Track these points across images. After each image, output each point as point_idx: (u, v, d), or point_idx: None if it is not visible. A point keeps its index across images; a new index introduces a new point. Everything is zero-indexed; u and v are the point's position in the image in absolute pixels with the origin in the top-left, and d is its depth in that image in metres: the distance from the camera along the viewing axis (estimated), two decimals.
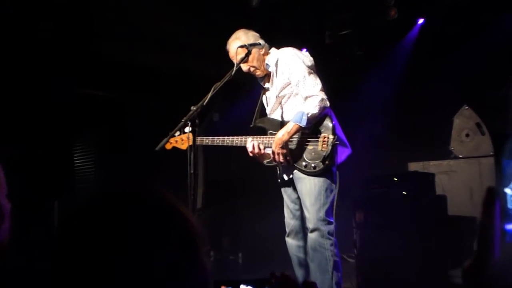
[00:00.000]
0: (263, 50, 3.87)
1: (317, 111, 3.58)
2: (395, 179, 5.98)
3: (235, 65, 3.55)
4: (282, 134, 3.64)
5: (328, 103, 3.64)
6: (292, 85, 3.72)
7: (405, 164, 6.42)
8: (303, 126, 3.60)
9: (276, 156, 3.69)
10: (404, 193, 5.80)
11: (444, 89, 6.48)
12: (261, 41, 3.82)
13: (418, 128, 6.67)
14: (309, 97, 3.61)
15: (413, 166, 6.26)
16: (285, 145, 3.67)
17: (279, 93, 3.79)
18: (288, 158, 3.70)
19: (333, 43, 7.13)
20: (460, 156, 5.97)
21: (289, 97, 3.78)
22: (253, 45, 3.78)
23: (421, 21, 6.97)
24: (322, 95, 3.62)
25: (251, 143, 3.77)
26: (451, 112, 6.17)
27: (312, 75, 3.71)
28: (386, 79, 7.22)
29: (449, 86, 6.35)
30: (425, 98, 6.71)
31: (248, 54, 3.73)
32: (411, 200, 5.43)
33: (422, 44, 6.94)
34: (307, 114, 3.56)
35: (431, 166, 6.10)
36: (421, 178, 5.73)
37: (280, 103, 3.83)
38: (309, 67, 3.75)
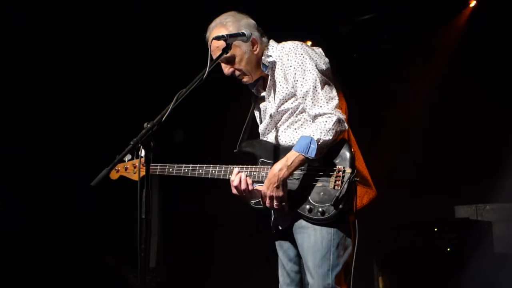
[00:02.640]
0: (256, 46, 3.84)
1: (330, 138, 3.55)
2: (435, 229, 5.99)
3: (208, 65, 3.51)
4: (278, 169, 3.62)
5: (346, 126, 3.63)
6: (298, 95, 3.71)
7: (449, 208, 6.44)
8: (310, 157, 3.59)
9: (268, 201, 3.67)
10: (449, 249, 5.82)
11: (507, 98, 6.51)
12: (248, 31, 3.75)
13: (468, 156, 6.70)
14: (320, 116, 3.60)
15: (462, 211, 6.30)
16: (282, 184, 3.69)
17: (279, 107, 3.76)
18: (284, 204, 3.68)
19: (349, 32, 7.17)
20: None
21: (292, 113, 3.75)
22: (234, 36, 3.75)
23: (473, 3, 7.05)
24: (339, 114, 3.59)
25: (238, 176, 3.76)
26: None
27: (327, 86, 3.70)
28: (423, 83, 7.29)
29: None
30: (479, 112, 6.75)
31: (226, 49, 3.69)
32: (459, 260, 5.44)
33: (474, 35, 7.01)
34: (317, 141, 3.56)
35: (487, 211, 6.14)
36: (472, 228, 5.75)
37: (278, 120, 3.80)
38: (323, 72, 3.74)
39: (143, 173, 3.24)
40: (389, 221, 6.03)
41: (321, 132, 3.57)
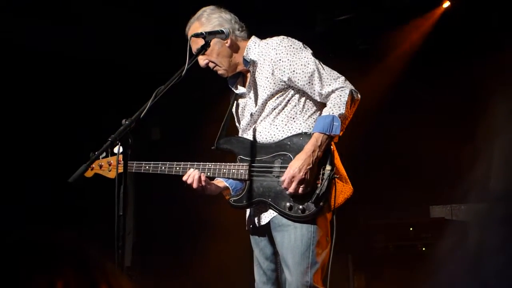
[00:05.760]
0: (228, 41, 3.85)
1: (348, 110, 3.64)
2: (411, 229, 6.02)
3: (186, 62, 3.51)
4: (311, 150, 3.61)
5: (359, 96, 3.74)
6: (300, 85, 3.73)
7: (425, 208, 6.50)
8: (335, 135, 3.64)
9: (295, 185, 3.60)
10: (424, 249, 5.86)
11: (479, 99, 6.54)
12: (227, 29, 3.78)
13: (443, 157, 6.69)
14: (333, 92, 3.67)
15: (437, 211, 6.35)
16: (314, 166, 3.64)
17: (263, 104, 3.77)
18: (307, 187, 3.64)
19: (326, 32, 7.20)
20: None
21: (283, 108, 3.77)
22: (213, 34, 3.77)
23: (446, 4, 7.13)
24: (350, 85, 3.70)
25: (193, 172, 3.78)
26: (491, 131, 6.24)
27: (326, 67, 3.77)
28: (399, 82, 7.35)
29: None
30: (454, 108, 6.79)
31: (205, 46, 3.71)
32: (434, 259, 5.47)
33: (446, 36, 7.08)
34: (339, 116, 3.60)
35: (462, 211, 6.17)
36: (448, 228, 5.78)
37: (259, 117, 3.79)
38: (316, 58, 3.80)
39: (120, 171, 3.24)
40: (365, 220, 6.05)
41: (339, 107, 3.61)
